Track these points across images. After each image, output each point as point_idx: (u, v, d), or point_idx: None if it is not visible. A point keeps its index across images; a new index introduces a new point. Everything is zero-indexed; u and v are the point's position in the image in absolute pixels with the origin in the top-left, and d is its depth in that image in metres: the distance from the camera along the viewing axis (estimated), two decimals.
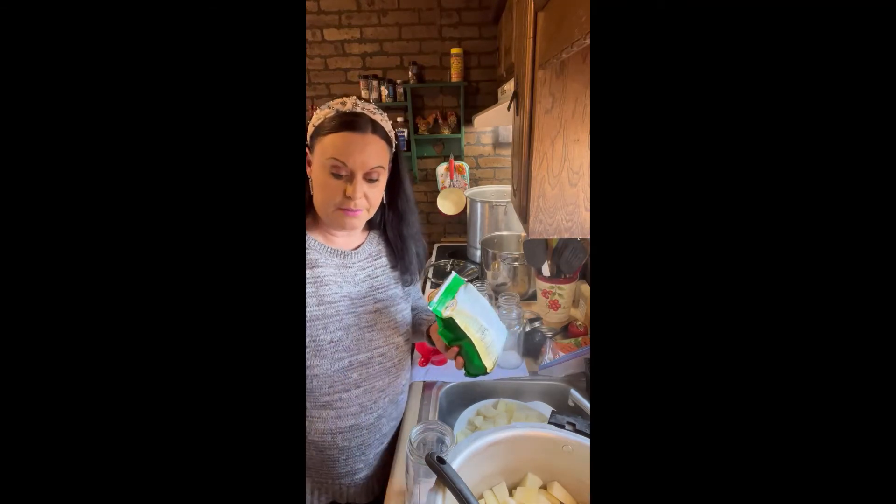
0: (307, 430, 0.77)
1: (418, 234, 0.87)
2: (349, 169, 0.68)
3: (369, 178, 0.70)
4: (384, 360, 0.81)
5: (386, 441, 0.87)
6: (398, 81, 2.39)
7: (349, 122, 0.68)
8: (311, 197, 0.74)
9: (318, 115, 0.71)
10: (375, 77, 2.37)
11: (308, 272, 0.73)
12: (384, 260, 0.84)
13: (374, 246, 0.84)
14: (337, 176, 0.69)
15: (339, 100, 0.71)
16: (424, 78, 2.42)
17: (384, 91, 2.37)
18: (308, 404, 0.76)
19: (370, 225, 0.85)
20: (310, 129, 0.71)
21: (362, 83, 2.37)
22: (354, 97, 0.71)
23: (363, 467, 0.84)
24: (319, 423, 0.77)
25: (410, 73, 2.35)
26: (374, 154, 0.70)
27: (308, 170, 0.73)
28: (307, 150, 0.72)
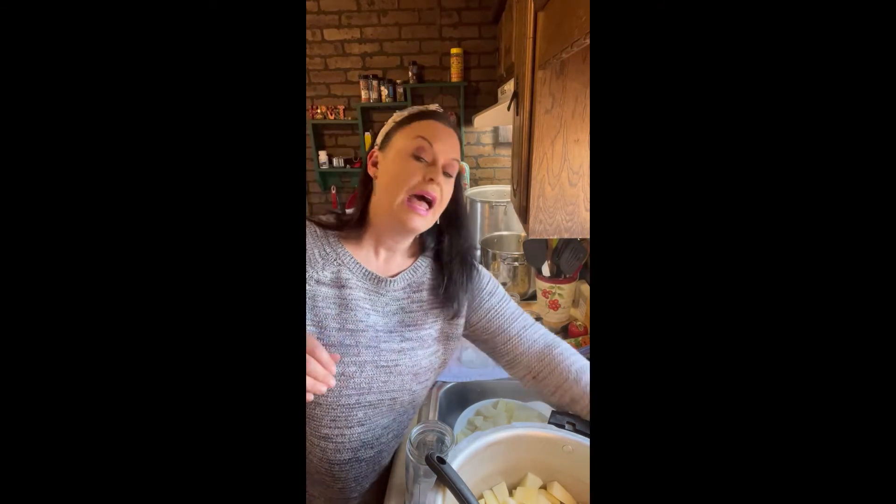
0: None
1: (475, 258, 0.78)
2: (433, 152, 0.64)
3: (447, 172, 0.66)
4: (394, 404, 0.72)
5: (383, 470, 0.81)
6: (398, 81, 2.40)
7: (436, 115, 0.68)
8: (362, 204, 0.70)
9: (399, 114, 0.70)
10: (375, 77, 2.37)
11: (334, 292, 0.66)
12: (425, 294, 0.73)
13: (416, 276, 0.73)
14: (418, 159, 0.64)
15: (423, 106, 0.71)
16: (424, 78, 2.42)
17: (384, 91, 2.37)
18: (307, 430, 0.70)
19: (421, 248, 0.76)
20: (386, 129, 0.69)
21: (362, 83, 2.37)
22: (436, 104, 0.72)
23: (357, 496, 0.78)
24: (317, 451, 0.72)
25: (410, 73, 2.36)
26: (455, 147, 0.68)
27: (372, 171, 0.69)
28: (376, 150, 0.70)
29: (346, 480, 0.75)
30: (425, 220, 0.65)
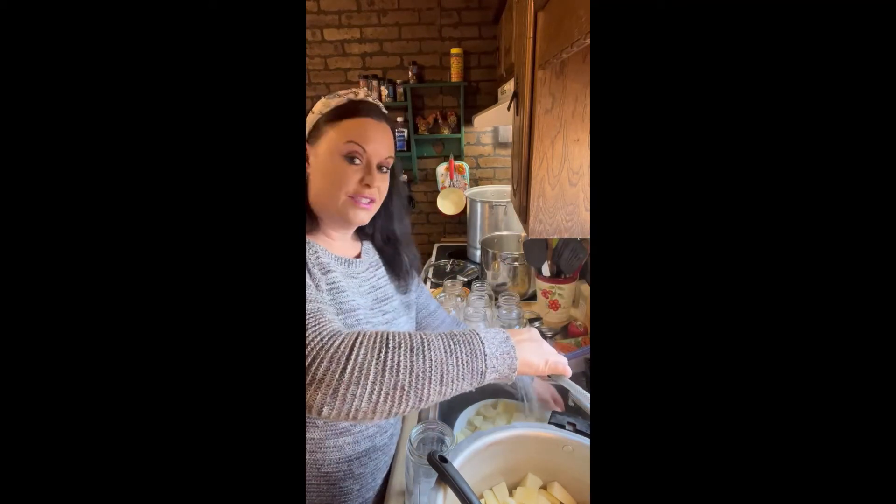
0: (320, 461, 0.70)
1: (408, 238, 0.84)
2: (367, 155, 0.66)
3: (381, 168, 0.68)
4: None
5: (390, 463, 0.81)
6: (398, 81, 2.40)
7: (366, 110, 0.67)
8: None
9: (326, 103, 0.67)
10: (375, 77, 2.37)
11: (324, 277, 0.67)
12: (383, 270, 0.80)
13: (370, 256, 0.79)
14: (351, 161, 0.65)
15: (349, 90, 0.68)
16: (424, 78, 2.42)
17: (384, 91, 2.37)
18: (323, 433, 0.69)
19: (361, 234, 0.81)
20: (313, 119, 0.68)
21: (362, 83, 2.37)
22: (364, 90, 0.71)
23: (373, 495, 0.77)
24: (335, 452, 0.70)
25: (410, 73, 2.36)
26: (388, 144, 0.69)
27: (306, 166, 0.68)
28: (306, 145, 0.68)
29: (363, 476, 0.74)
30: (369, 212, 0.69)
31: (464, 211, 2.39)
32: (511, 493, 0.64)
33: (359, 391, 0.46)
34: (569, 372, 0.60)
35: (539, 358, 0.55)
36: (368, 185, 0.66)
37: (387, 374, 0.47)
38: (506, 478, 0.65)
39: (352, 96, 0.68)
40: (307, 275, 0.63)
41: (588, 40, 0.48)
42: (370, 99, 0.69)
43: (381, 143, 0.67)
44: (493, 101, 2.34)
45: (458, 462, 0.57)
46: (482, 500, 0.62)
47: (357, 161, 0.66)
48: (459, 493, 0.51)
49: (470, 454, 0.59)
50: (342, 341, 0.49)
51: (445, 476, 0.53)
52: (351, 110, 0.66)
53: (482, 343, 0.52)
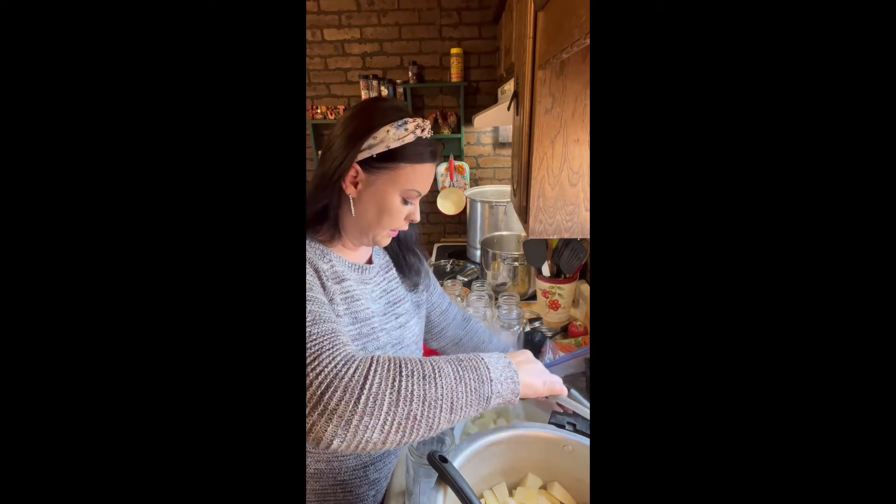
0: (337, 469, 0.71)
1: (415, 238, 0.83)
2: (418, 197, 0.69)
3: None
4: None
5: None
6: (398, 81, 2.40)
7: (431, 153, 0.67)
8: (334, 215, 0.68)
9: (394, 136, 0.63)
10: (375, 77, 2.37)
11: (338, 287, 0.67)
12: (393, 272, 0.80)
13: (381, 258, 0.79)
14: (405, 202, 0.68)
15: (414, 122, 0.65)
16: (424, 78, 2.42)
17: (384, 91, 2.37)
18: None
19: None
20: (375, 146, 0.63)
21: (362, 83, 2.37)
22: (420, 119, 0.67)
23: (381, 498, 0.78)
24: (352, 459, 0.71)
25: (410, 73, 2.36)
26: (432, 180, 0.71)
27: (352, 189, 0.66)
28: (357, 167, 0.65)
29: (378, 482, 0.75)
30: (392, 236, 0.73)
31: (464, 211, 2.39)
32: (511, 493, 0.64)
33: (371, 422, 0.46)
34: (565, 391, 0.61)
35: (538, 379, 0.57)
36: (410, 221, 0.70)
37: (400, 403, 0.47)
38: (506, 478, 0.65)
39: (419, 133, 0.65)
40: (321, 290, 0.62)
41: (588, 40, 0.48)
42: (429, 133, 0.67)
43: (430, 182, 0.69)
44: (493, 101, 2.34)
45: (458, 462, 0.57)
46: (482, 500, 0.62)
47: (410, 203, 0.69)
48: (459, 493, 0.51)
49: (470, 454, 0.59)
50: (356, 369, 0.48)
51: (445, 476, 0.53)
52: (418, 154, 0.65)
53: (488, 369, 0.53)
